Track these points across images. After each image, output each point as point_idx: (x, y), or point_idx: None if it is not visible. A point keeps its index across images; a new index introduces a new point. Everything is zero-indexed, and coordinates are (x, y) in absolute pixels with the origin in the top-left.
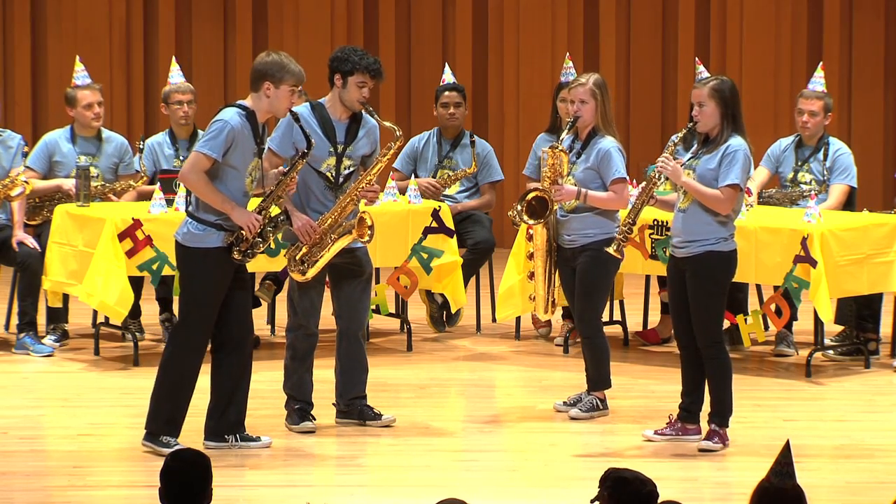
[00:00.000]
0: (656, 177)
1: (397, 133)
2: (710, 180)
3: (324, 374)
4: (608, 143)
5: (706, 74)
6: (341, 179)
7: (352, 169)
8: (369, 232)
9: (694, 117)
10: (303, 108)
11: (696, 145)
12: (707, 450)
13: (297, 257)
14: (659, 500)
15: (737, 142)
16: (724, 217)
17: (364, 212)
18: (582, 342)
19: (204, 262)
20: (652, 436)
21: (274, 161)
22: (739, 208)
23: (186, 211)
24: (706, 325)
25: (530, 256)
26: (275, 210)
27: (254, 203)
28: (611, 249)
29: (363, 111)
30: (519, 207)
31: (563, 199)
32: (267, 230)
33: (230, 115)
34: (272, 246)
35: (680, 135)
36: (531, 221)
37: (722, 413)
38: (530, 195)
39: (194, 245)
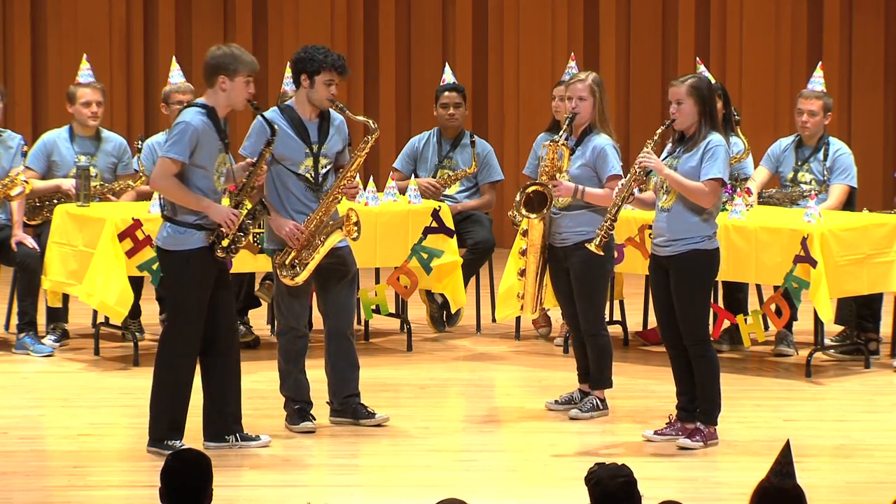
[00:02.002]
0: (637, 172)
1: (372, 126)
2: (692, 178)
3: (321, 374)
4: (603, 140)
5: (707, 75)
6: (320, 179)
7: (329, 167)
8: (356, 228)
9: (672, 115)
10: (271, 113)
11: (671, 144)
12: (685, 448)
13: (287, 262)
14: (659, 501)
15: (716, 138)
16: (707, 215)
17: (350, 209)
18: (586, 340)
19: (188, 264)
20: (652, 436)
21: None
22: (720, 204)
23: (163, 215)
24: (691, 324)
25: (523, 253)
26: (250, 203)
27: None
28: (591, 246)
29: (333, 109)
30: (518, 198)
31: (560, 195)
32: (246, 223)
33: (191, 115)
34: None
35: (659, 132)
36: (533, 216)
37: (709, 411)
38: (529, 189)
39: (177, 248)
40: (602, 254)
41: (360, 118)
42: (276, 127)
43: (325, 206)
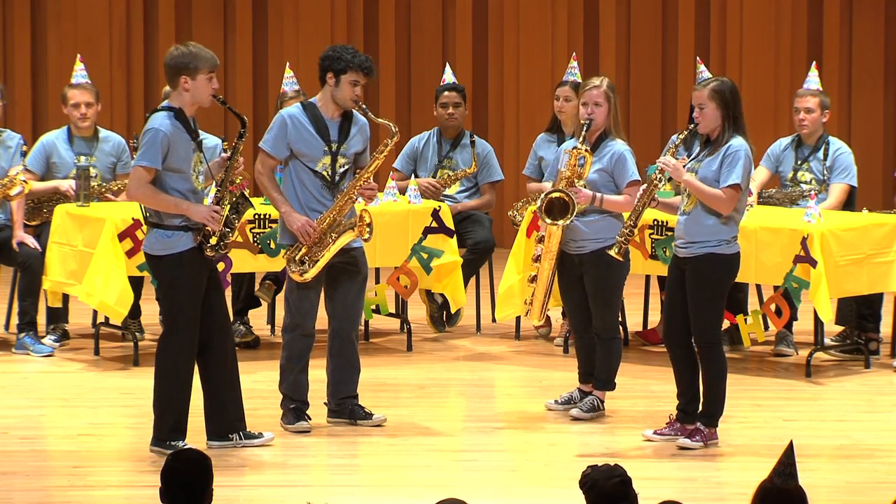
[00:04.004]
0: (657, 178)
1: (393, 130)
2: (712, 182)
3: (321, 375)
4: (621, 146)
5: (707, 74)
6: (337, 178)
7: (347, 167)
8: (369, 229)
9: (695, 119)
10: (294, 109)
11: (697, 147)
12: (685, 448)
13: (297, 258)
14: (659, 501)
15: (738, 142)
16: (725, 219)
17: (363, 209)
18: (599, 343)
19: (180, 267)
20: (652, 436)
21: (268, 163)
22: (742, 209)
23: (148, 222)
24: (704, 326)
25: (536, 259)
26: (231, 198)
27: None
28: (612, 252)
29: (356, 109)
30: (539, 204)
31: (579, 202)
32: (231, 217)
33: (159, 120)
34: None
35: (681, 136)
36: (558, 223)
37: (711, 413)
38: (553, 194)
39: (167, 253)
40: (622, 259)
41: (382, 121)
42: (245, 119)
43: (340, 206)
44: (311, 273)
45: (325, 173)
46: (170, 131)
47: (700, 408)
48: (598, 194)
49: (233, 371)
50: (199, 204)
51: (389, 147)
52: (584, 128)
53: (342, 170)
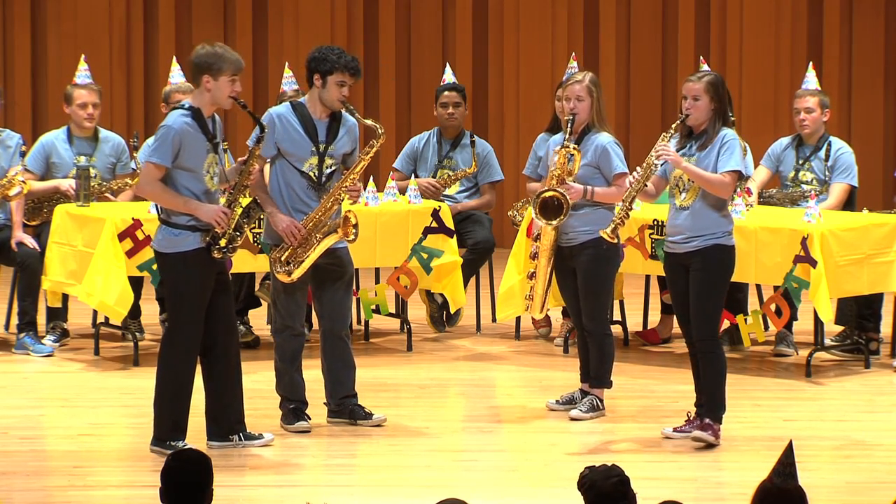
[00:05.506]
0: (654, 163)
1: (379, 131)
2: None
3: (318, 374)
4: (604, 138)
5: None
6: (324, 179)
7: (333, 168)
8: (354, 231)
9: (686, 110)
10: (283, 108)
11: (679, 139)
12: (701, 440)
13: (283, 258)
14: (659, 501)
15: (730, 132)
16: (725, 211)
17: (349, 210)
18: (590, 340)
19: (185, 266)
20: (671, 433)
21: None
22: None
23: (159, 218)
24: (705, 320)
25: (533, 256)
26: (245, 200)
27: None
28: (606, 232)
29: (343, 110)
30: (533, 205)
31: (572, 198)
32: (241, 222)
33: (173, 118)
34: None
35: (674, 127)
36: (553, 223)
37: (716, 409)
38: (545, 194)
39: (173, 251)
40: (614, 240)
41: (369, 122)
42: (265, 124)
43: (325, 207)
44: (297, 274)
45: (311, 174)
46: (182, 129)
47: (704, 404)
48: (590, 188)
49: (236, 374)
50: (208, 204)
51: (375, 148)
52: (569, 123)
53: (329, 171)
